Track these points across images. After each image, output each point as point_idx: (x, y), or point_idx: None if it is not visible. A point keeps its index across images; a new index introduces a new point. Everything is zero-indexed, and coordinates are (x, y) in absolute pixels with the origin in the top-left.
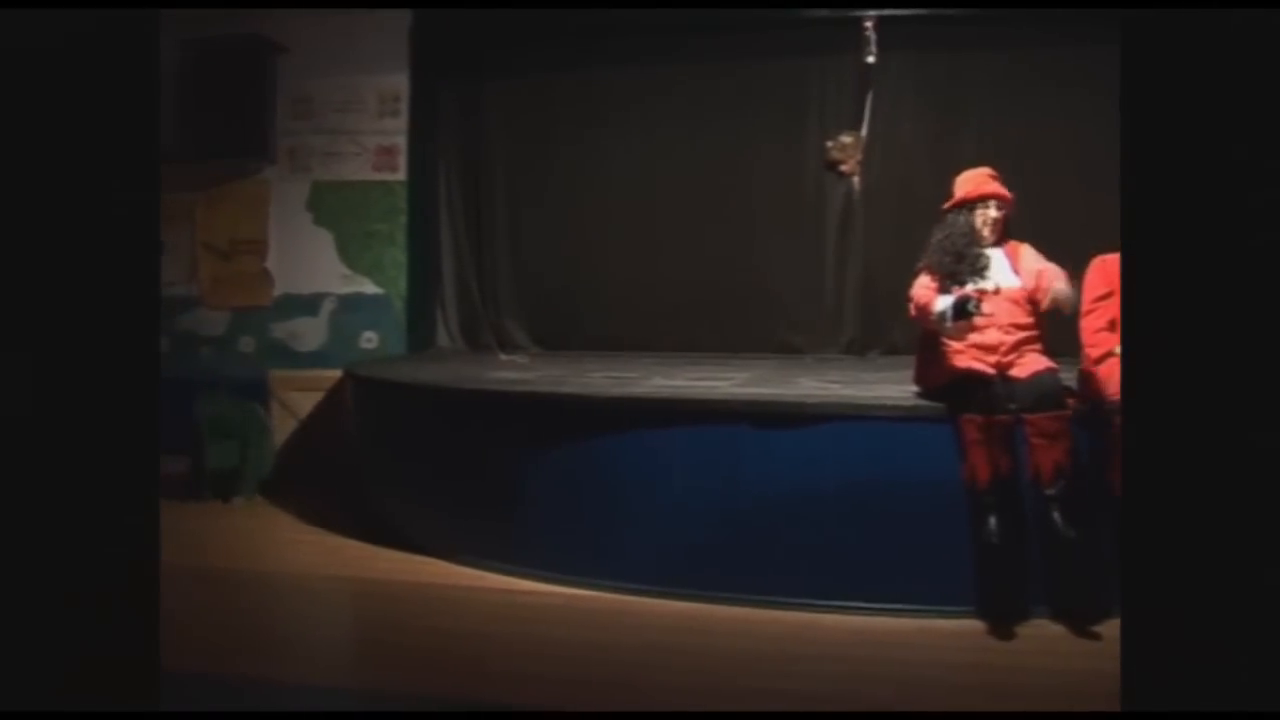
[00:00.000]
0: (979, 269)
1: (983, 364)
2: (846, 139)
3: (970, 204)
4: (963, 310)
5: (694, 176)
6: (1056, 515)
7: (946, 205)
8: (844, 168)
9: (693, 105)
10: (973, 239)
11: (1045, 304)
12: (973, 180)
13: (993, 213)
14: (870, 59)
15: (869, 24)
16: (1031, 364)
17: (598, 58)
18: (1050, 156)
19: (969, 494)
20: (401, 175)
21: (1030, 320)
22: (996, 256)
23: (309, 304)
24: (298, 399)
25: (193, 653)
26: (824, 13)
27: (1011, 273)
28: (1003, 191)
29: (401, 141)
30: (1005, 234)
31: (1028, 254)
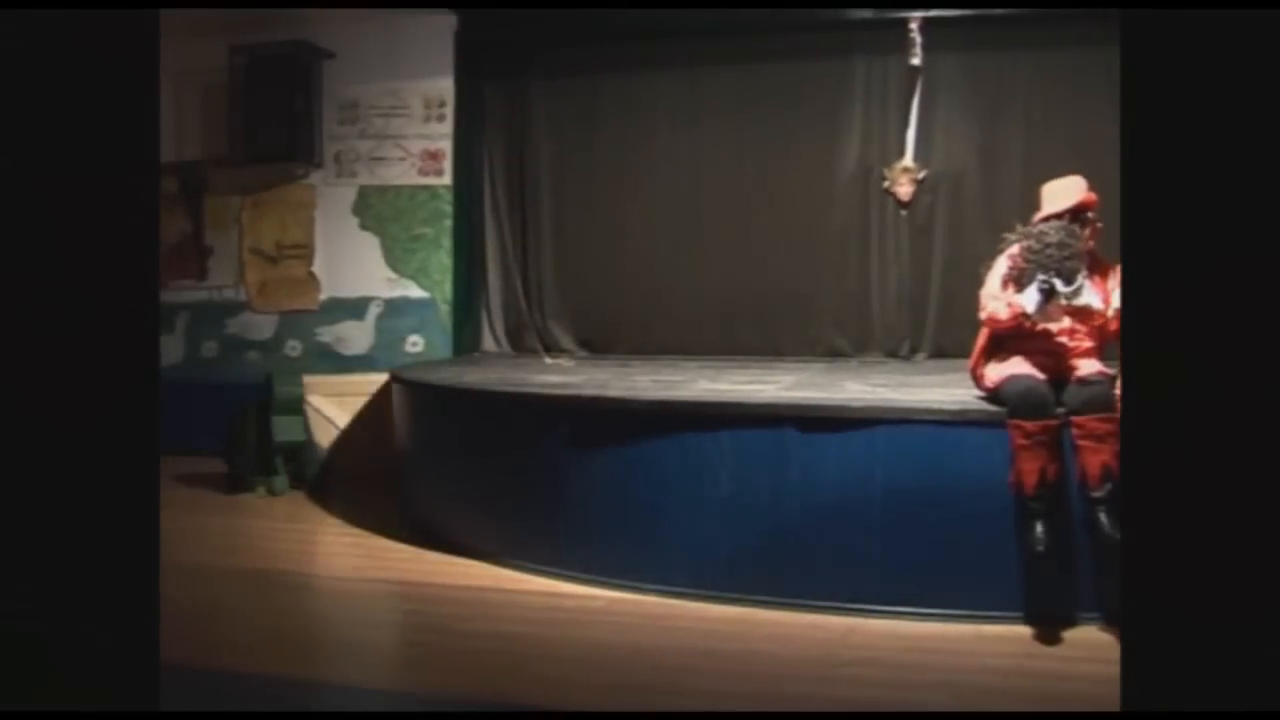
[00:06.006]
0: (1072, 285)
1: (1040, 369)
2: (903, 166)
3: (1071, 216)
4: (1050, 296)
5: (739, 179)
6: (1104, 519)
7: (1041, 216)
8: (901, 194)
9: (738, 108)
10: (1074, 253)
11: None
12: (1075, 190)
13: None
14: (915, 61)
15: (914, 25)
16: (1083, 367)
17: (643, 61)
18: (1097, 157)
19: (1016, 499)
20: (447, 179)
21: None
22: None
23: (355, 308)
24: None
25: (233, 652)
26: (869, 14)
27: (1094, 292)
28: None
29: (447, 146)
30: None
31: (1114, 280)
